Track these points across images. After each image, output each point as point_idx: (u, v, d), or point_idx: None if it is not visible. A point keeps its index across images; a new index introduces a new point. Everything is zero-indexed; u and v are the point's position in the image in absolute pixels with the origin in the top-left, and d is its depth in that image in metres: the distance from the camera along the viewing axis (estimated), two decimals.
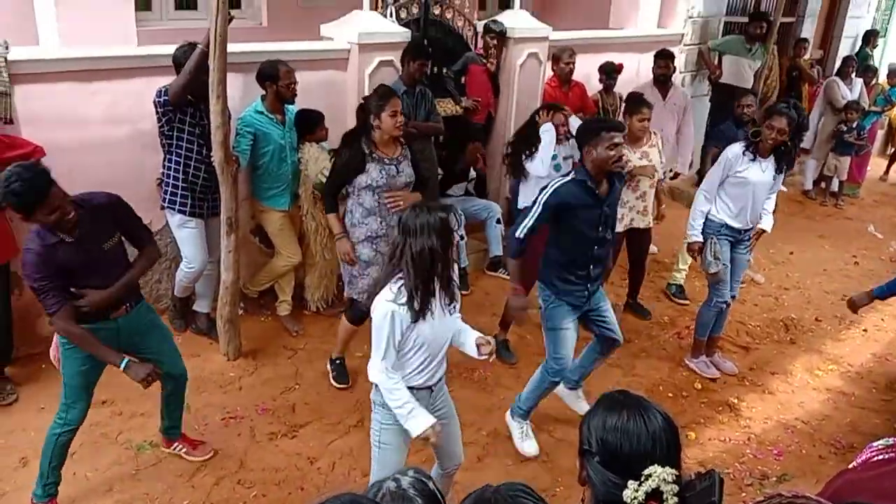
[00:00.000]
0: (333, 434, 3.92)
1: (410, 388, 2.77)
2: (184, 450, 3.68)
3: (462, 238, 5.50)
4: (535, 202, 3.58)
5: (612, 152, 3.45)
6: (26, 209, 2.78)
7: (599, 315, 3.86)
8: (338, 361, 4.38)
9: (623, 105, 6.41)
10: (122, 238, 3.17)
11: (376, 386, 2.79)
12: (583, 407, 4.17)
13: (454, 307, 2.86)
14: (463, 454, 3.16)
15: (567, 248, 3.64)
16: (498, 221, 5.75)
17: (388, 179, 3.97)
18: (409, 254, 2.61)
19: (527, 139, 4.76)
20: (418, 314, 2.65)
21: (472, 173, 5.87)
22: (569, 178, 3.57)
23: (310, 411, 4.10)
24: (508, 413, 4.00)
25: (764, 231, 4.64)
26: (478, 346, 2.86)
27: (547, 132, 4.65)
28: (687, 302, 5.75)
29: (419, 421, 2.69)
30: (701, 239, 4.54)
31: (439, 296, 2.73)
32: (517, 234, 3.57)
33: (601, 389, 1.79)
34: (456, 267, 2.81)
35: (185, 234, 4.33)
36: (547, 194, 3.52)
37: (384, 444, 2.85)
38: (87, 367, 3.12)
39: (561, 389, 4.15)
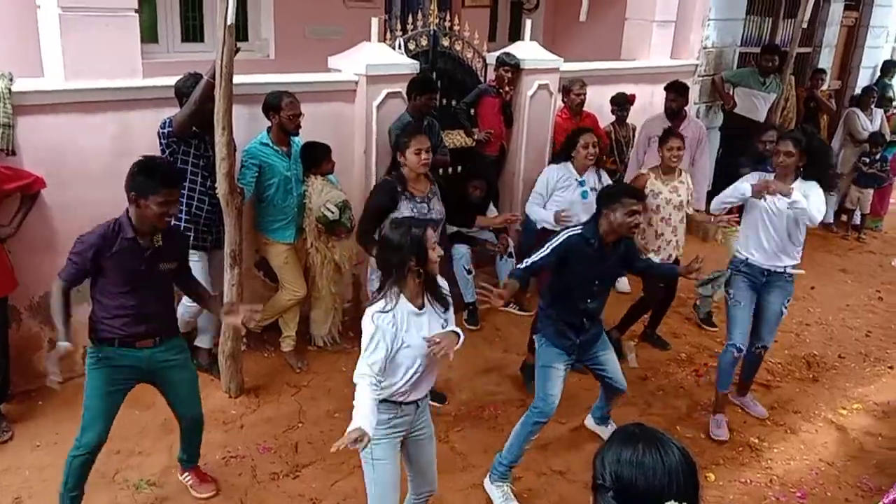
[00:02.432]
0: (337, 474, 3.87)
1: (398, 404, 2.85)
2: (190, 481, 3.68)
3: (470, 273, 5.52)
4: (545, 244, 3.71)
5: (630, 219, 3.60)
6: (156, 185, 2.98)
7: (598, 364, 3.94)
8: None
9: (635, 137, 6.47)
10: (179, 271, 3.33)
11: None
12: None
13: (447, 319, 2.92)
14: (436, 482, 3.17)
15: (560, 298, 3.76)
16: (510, 255, 5.75)
17: (419, 217, 3.98)
18: (389, 267, 2.80)
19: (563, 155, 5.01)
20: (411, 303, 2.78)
21: (493, 212, 5.83)
22: (579, 231, 3.70)
23: (313, 451, 4.06)
24: (486, 479, 3.82)
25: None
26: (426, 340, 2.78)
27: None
28: (715, 329, 5.78)
29: (358, 420, 2.55)
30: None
31: (430, 304, 2.85)
32: (521, 266, 3.72)
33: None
34: (442, 280, 2.94)
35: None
36: (558, 241, 3.66)
37: (376, 459, 2.86)
38: (110, 389, 3.17)
39: (590, 421, 4.37)
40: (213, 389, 4.48)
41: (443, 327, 2.87)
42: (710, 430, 4.49)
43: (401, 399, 2.85)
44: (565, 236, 3.68)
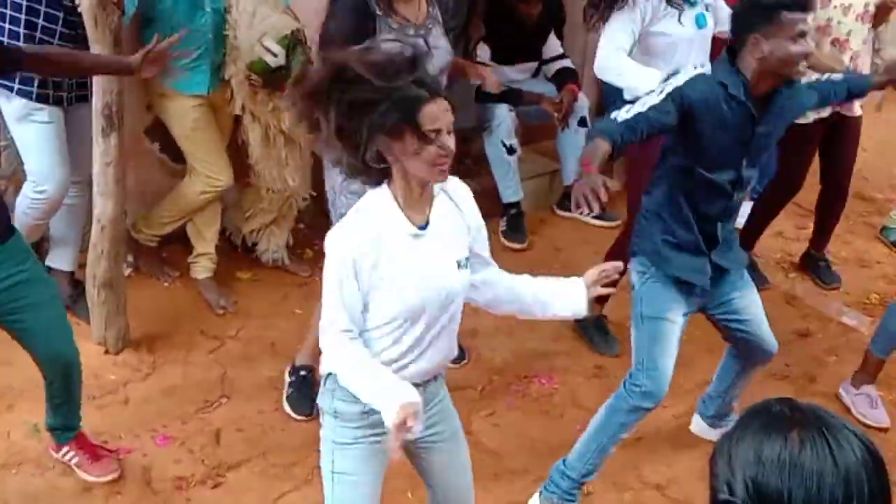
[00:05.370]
0: (284, 482, 3.93)
1: None
2: (75, 460, 3.76)
3: (512, 151, 5.67)
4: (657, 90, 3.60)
5: (797, 47, 3.45)
6: None
7: (733, 313, 3.90)
8: (302, 374, 4.34)
9: None
10: None
11: (326, 380, 2.84)
12: None
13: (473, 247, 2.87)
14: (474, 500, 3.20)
15: (680, 190, 3.71)
16: (582, 122, 5.70)
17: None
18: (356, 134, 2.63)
19: None
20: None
21: (555, 48, 5.92)
22: (706, 74, 3.65)
23: (246, 444, 4.12)
24: (537, 496, 3.92)
25: None
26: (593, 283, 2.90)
27: None
28: None
29: (394, 395, 2.60)
30: None
31: (441, 219, 2.77)
32: (617, 118, 3.49)
33: None
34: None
35: (32, 132, 4.33)
36: (678, 85, 3.55)
37: (339, 473, 2.89)
38: None
39: (700, 426, 4.33)
40: (79, 340, 4.33)
41: (460, 266, 2.78)
42: (854, 409, 4.63)
43: None
44: (690, 78, 3.55)
